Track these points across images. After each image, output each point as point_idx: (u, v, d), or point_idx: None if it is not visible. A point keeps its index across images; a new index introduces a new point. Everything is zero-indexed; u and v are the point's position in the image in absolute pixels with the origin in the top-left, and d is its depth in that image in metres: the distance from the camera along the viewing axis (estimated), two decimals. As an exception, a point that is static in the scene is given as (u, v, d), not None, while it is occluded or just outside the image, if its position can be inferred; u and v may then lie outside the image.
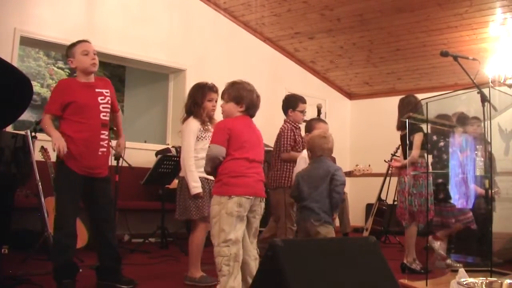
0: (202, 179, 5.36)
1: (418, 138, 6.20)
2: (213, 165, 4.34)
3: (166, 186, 7.86)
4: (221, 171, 4.31)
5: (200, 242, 5.46)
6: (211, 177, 5.49)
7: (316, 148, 5.20)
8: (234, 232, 4.19)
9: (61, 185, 4.92)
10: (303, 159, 5.94)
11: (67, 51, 5.16)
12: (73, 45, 5.16)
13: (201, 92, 5.55)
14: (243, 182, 4.28)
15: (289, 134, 6.66)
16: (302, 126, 6.73)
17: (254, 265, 4.33)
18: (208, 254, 4.99)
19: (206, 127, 5.49)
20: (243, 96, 4.43)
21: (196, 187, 5.28)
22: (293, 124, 6.76)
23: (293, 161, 6.40)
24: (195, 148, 5.41)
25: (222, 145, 4.28)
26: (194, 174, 5.32)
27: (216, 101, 5.56)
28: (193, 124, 5.44)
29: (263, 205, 4.45)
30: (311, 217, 4.99)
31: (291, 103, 6.86)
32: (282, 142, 6.69)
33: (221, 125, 4.42)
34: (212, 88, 5.58)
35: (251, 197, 4.28)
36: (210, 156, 4.32)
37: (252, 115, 4.53)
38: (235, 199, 4.21)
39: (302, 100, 6.88)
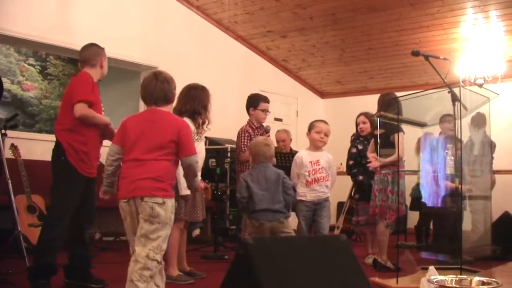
0: None
1: (401, 138, 6.27)
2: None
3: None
4: None
5: (173, 241, 5.48)
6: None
7: (260, 155, 5.46)
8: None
9: (65, 185, 4.92)
10: (294, 161, 6.17)
11: (98, 51, 5.25)
12: (102, 49, 5.30)
13: (207, 96, 5.75)
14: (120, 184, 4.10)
15: (243, 135, 6.84)
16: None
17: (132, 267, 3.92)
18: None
19: (199, 130, 5.62)
20: None
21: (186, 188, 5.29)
22: (252, 124, 6.87)
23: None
24: None
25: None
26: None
27: None
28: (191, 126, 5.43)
29: (148, 205, 3.90)
30: (279, 216, 5.29)
31: (252, 102, 7.00)
32: (238, 144, 6.91)
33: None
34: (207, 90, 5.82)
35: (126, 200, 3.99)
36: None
37: None
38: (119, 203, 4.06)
39: (264, 99, 7.00)
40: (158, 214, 3.89)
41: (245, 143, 6.73)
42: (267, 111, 6.98)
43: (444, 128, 6.73)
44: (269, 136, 6.86)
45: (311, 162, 6.20)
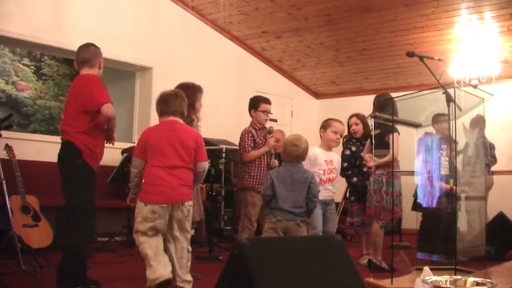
0: None
1: (396, 138, 6.26)
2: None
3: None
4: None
5: None
6: None
7: (287, 154, 5.43)
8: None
9: (88, 187, 4.96)
10: (307, 158, 6.09)
11: (97, 51, 5.29)
12: (99, 49, 5.33)
13: (194, 93, 5.79)
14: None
15: (247, 136, 6.79)
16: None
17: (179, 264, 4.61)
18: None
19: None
20: None
21: None
22: (255, 125, 6.84)
23: (255, 161, 6.77)
24: None
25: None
26: None
27: None
28: None
29: (186, 208, 4.58)
30: (297, 218, 5.25)
31: (253, 103, 6.98)
32: (242, 144, 6.86)
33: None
34: (201, 90, 5.90)
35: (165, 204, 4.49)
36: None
37: None
38: (149, 207, 4.47)
39: (264, 100, 6.97)
40: (190, 214, 4.64)
41: (249, 144, 6.73)
42: (268, 112, 6.96)
43: (441, 128, 6.72)
44: (272, 137, 6.85)
45: (326, 161, 6.20)
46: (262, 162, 6.78)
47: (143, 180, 4.60)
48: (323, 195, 6.07)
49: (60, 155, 5.00)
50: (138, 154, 4.65)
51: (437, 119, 6.57)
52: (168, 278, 4.39)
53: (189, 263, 4.68)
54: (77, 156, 4.86)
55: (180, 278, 4.57)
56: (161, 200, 4.45)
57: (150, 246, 4.46)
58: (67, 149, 4.95)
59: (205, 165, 4.79)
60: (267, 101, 6.99)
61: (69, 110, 5.05)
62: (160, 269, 4.37)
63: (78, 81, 5.14)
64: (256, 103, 6.93)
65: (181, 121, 4.75)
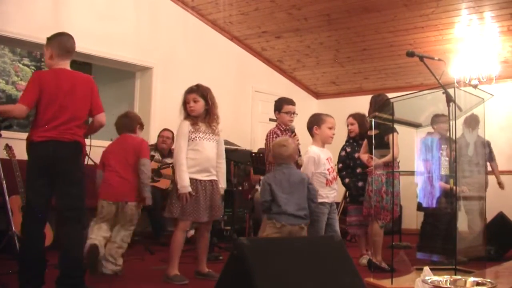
0: (193, 180, 5.55)
1: (396, 138, 6.21)
2: None
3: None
4: None
5: (178, 241, 5.58)
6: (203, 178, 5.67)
7: (277, 157, 5.44)
8: None
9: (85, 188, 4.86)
10: (311, 158, 5.99)
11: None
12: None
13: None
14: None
15: (271, 136, 6.71)
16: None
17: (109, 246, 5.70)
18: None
19: (197, 126, 5.70)
20: None
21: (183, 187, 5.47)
22: (280, 126, 6.79)
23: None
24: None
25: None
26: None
27: (194, 101, 5.79)
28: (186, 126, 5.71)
29: (129, 208, 5.71)
30: (301, 221, 5.27)
31: (277, 105, 6.90)
32: (267, 145, 6.73)
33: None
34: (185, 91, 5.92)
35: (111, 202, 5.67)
36: None
37: None
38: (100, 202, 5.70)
39: (288, 102, 6.88)
40: (134, 213, 5.78)
41: None
42: (293, 113, 6.84)
43: (440, 128, 6.72)
44: (295, 135, 6.78)
45: (327, 159, 6.05)
46: None
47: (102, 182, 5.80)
48: (331, 196, 5.99)
49: (68, 156, 4.62)
50: (101, 167, 5.91)
51: (436, 119, 6.57)
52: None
53: (120, 250, 5.73)
54: (80, 156, 4.71)
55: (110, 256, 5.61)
56: (109, 197, 5.66)
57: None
58: (76, 150, 4.66)
59: (145, 161, 5.83)
60: (290, 102, 6.92)
61: (78, 109, 4.72)
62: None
63: (82, 79, 4.80)
64: (280, 105, 6.87)
65: (133, 135, 6.05)
